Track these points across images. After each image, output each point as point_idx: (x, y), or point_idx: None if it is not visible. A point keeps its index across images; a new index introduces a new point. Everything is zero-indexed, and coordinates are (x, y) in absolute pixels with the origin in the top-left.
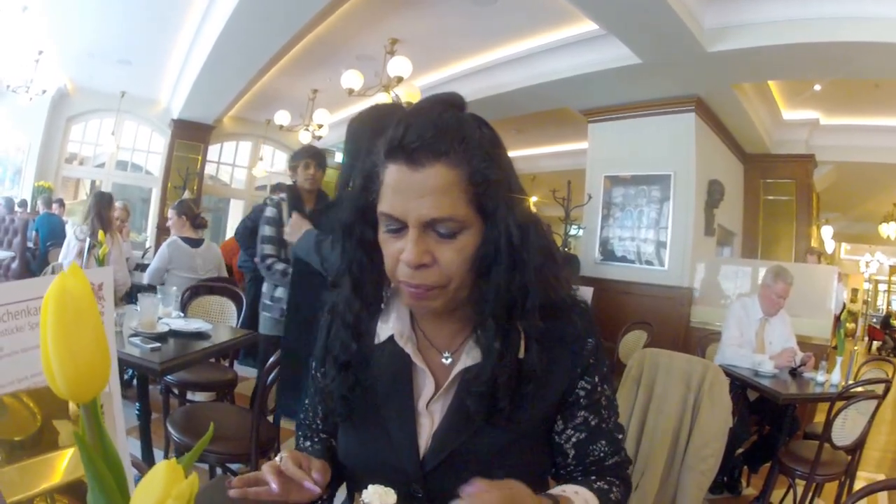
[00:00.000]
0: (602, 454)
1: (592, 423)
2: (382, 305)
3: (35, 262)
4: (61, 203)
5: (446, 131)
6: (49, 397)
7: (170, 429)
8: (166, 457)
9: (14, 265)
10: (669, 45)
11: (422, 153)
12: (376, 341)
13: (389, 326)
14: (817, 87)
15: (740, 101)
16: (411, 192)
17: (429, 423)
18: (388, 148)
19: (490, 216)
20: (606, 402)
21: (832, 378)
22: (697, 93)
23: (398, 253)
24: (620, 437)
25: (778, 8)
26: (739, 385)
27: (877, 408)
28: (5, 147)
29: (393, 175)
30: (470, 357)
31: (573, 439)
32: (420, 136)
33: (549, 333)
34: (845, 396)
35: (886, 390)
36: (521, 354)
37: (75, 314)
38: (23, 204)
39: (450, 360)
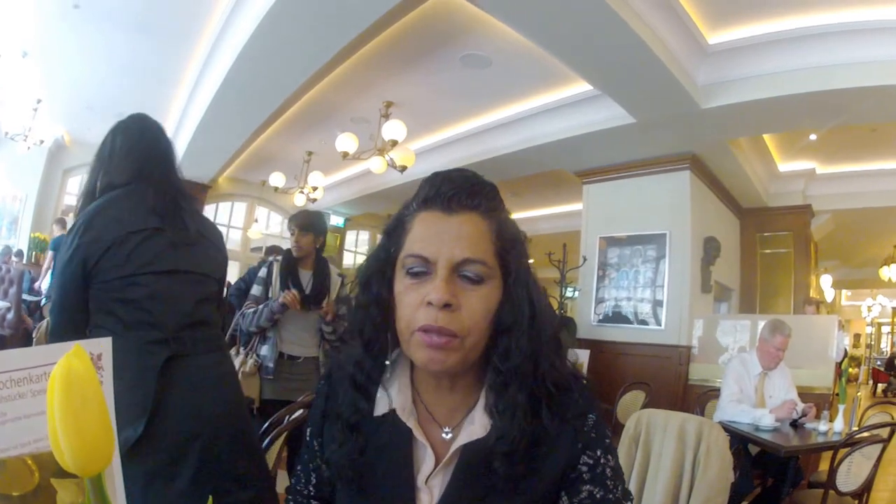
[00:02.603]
0: None
1: (598, 495)
2: (387, 375)
3: (37, 314)
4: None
5: (481, 188)
6: (50, 460)
7: None
8: None
9: (9, 315)
10: (664, 104)
11: (457, 201)
12: (375, 413)
13: (391, 399)
14: (813, 137)
15: (735, 156)
16: (444, 234)
17: (428, 498)
18: (424, 198)
19: (512, 274)
20: (611, 472)
21: (835, 426)
22: (692, 150)
23: (420, 299)
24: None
25: (771, 60)
26: (740, 440)
27: (882, 451)
28: (2, 196)
29: (425, 220)
30: (469, 433)
31: None
32: (457, 187)
33: (554, 404)
34: (849, 444)
35: (892, 433)
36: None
37: (81, 397)
38: (19, 254)
39: (450, 435)
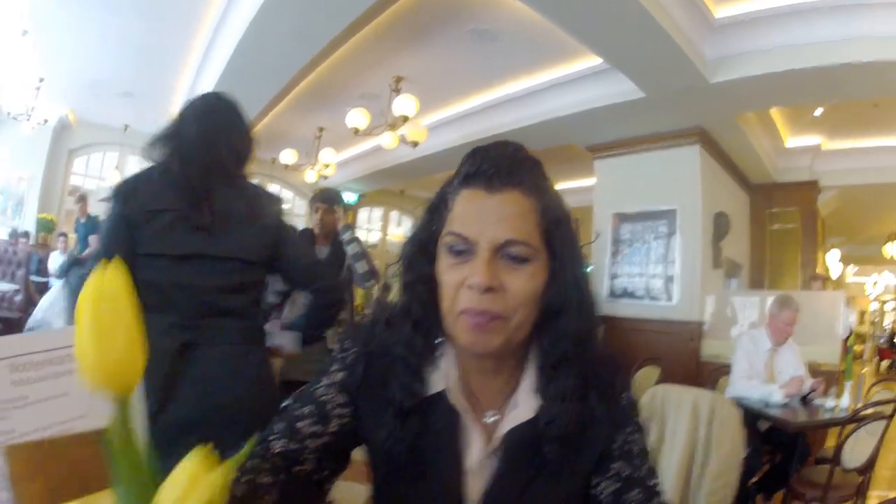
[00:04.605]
0: (635, 503)
1: (624, 473)
2: (438, 352)
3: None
4: (65, 236)
5: (522, 164)
6: (69, 444)
7: None
8: None
9: (18, 298)
10: (672, 78)
11: (499, 178)
12: (429, 391)
13: (439, 380)
14: (818, 112)
15: (744, 130)
16: (486, 214)
17: (476, 483)
18: (465, 175)
19: (558, 256)
20: (638, 451)
21: (841, 402)
22: (701, 125)
23: (461, 280)
24: (653, 483)
25: (776, 34)
26: (751, 416)
27: (885, 428)
28: (7, 177)
29: (467, 199)
30: (514, 417)
31: (606, 491)
32: (497, 165)
33: (601, 387)
34: (855, 420)
35: (895, 410)
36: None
37: (112, 311)
38: (25, 235)
39: (493, 419)
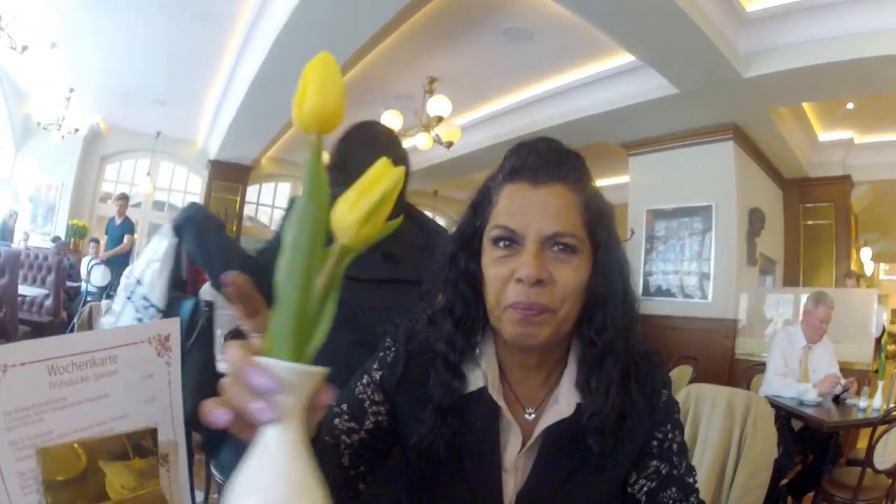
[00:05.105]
0: (672, 501)
1: (663, 471)
2: (478, 351)
3: (77, 299)
4: (97, 242)
5: (567, 158)
6: (101, 446)
7: (213, 470)
8: (207, 498)
9: (48, 302)
10: (705, 73)
11: (545, 172)
12: (468, 389)
13: (478, 378)
14: (850, 106)
15: (777, 125)
16: (533, 207)
17: (513, 480)
18: (510, 170)
19: (601, 247)
20: (678, 447)
21: (874, 403)
22: (735, 120)
23: (509, 273)
24: (691, 480)
25: (809, 27)
26: (785, 415)
27: None
28: (37, 185)
29: (512, 193)
30: (555, 413)
31: (645, 488)
32: (543, 158)
33: (641, 378)
34: (887, 420)
35: None
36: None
37: (333, 75)
38: (56, 239)
39: (532, 415)
